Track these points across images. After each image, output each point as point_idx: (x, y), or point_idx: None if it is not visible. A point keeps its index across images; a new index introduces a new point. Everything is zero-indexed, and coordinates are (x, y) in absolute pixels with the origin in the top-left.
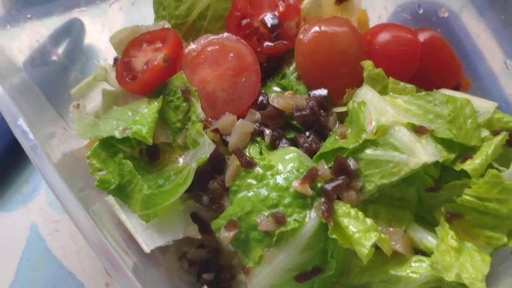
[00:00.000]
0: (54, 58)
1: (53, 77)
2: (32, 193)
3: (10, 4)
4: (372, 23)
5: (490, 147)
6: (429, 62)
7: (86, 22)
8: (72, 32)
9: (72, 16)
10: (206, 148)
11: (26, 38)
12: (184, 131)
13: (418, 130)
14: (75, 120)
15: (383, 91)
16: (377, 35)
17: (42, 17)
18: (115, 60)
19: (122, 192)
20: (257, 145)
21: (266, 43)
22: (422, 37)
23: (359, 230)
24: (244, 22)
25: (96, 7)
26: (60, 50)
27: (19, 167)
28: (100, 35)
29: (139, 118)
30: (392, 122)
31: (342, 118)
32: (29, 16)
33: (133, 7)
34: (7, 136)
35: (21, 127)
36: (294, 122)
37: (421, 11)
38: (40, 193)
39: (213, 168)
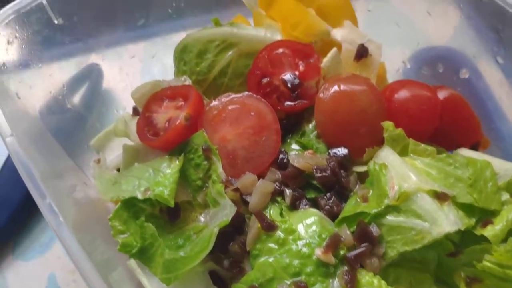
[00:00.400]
0: (71, 106)
1: (70, 126)
2: (50, 242)
3: (26, 48)
4: (390, 75)
5: (510, 212)
6: (449, 120)
7: (105, 68)
8: (90, 78)
9: (90, 62)
10: (227, 210)
11: (42, 85)
12: (204, 189)
13: (440, 197)
14: (96, 176)
15: (403, 152)
16: (396, 92)
17: (59, 63)
18: (134, 109)
19: (143, 255)
20: (277, 205)
21: (287, 103)
22: (441, 95)
23: None
24: (265, 80)
25: (115, 54)
26: (77, 98)
27: (36, 216)
28: (118, 83)
29: (161, 179)
30: (414, 189)
31: (362, 177)
32: (45, 61)
33: (149, 53)
34: (25, 185)
35: (37, 186)
36: (314, 182)
37: (441, 70)
38: (57, 242)
39: (233, 229)
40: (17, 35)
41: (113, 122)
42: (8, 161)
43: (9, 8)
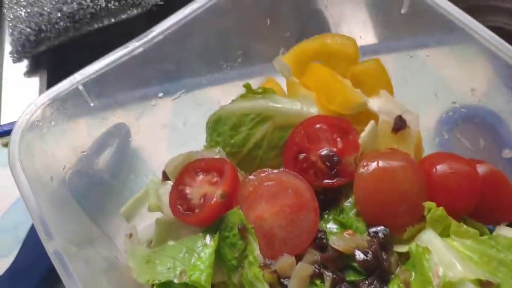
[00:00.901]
0: (96, 170)
1: (96, 192)
2: None
3: (56, 121)
4: (426, 144)
5: None
6: (488, 197)
7: (132, 131)
8: (116, 141)
9: (117, 122)
10: None
11: (64, 144)
12: (240, 269)
13: (485, 285)
14: (128, 253)
15: (444, 232)
16: (434, 166)
17: (84, 123)
18: (164, 173)
19: None
20: None
21: (325, 181)
22: (481, 170)
23: None
24: (301, 156)
25: (144, 116)
26: (103, 161)
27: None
28: (147, 146)
29: (197, 261)
30: (459, 279)
31: (402, 257)
32: (67, 119)
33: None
34: (39, 273)
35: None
36: (354, 263)
37: (481, 146)
38: None
39: None
40: (52, 122)
41: (142, 188)
42: (32, 230)
43: (46, 94)
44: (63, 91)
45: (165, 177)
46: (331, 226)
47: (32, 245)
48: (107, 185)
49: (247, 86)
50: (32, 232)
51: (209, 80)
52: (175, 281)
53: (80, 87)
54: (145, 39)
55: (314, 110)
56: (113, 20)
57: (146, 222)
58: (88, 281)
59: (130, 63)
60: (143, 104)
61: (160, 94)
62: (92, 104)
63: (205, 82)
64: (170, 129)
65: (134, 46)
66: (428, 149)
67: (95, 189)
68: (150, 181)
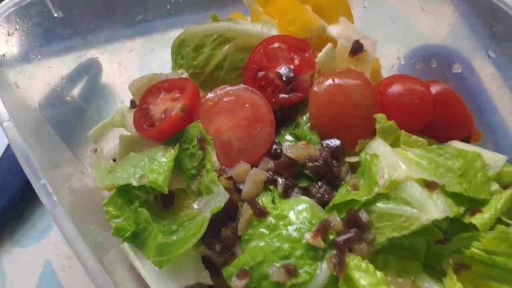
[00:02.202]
0: (70, 98)
1: (69, 117)
2: (47, 228)
3: (26, 41)
4: (385, 71)
5: (499, 201)
6: (441, 114)
7: (103, 62)
8: (89, 72)
9: (89, 56)
10: (220, 197)
11: (41, 78)
12: (198, 177)
13: (430, 186)
14: (92, 165)
15: (394, 143)
16: (390, 86)
17: (59, 56)
18: (132, 102)
19: (137, 239)
20: (269, 193)
21: (281, 95)
22: (434, 89)
23: (370, 283)
24: (260, 74)
25: (113, 49)
26: (76, 90)
27: (34, 203)
28: (117, 76)
29: (156, 167)
30: (404, 178)
31: (354, 168)
32: (40, 57)
33: (147, 48)
34: (23, 174)
35: (35, 172)
36: (307, 171)
37: (434, 65)
38: (54, 229)
39: (226, 215)
40: (17, 27)
41: (111, 115)
42: (7, 151)
43: (9, 1)
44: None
45: (133, 105)
46: (287, 139)
47: (7, 164)
48: (79, 112)
49: (214, 17)
50: (8, 151)
51: (173, 8)
52: (134, 183)
53: None
54: None
55: (274, 32)
56: None
57: (113, 144)
58: (58, 190)
59: None
60: (110, 33)
61: (124, 13)
62: (55, 15)
63: (169, 9)
64: (138, 60)
65: None
66: (386, 76)
67: (67, 115)
68: (117, 110)
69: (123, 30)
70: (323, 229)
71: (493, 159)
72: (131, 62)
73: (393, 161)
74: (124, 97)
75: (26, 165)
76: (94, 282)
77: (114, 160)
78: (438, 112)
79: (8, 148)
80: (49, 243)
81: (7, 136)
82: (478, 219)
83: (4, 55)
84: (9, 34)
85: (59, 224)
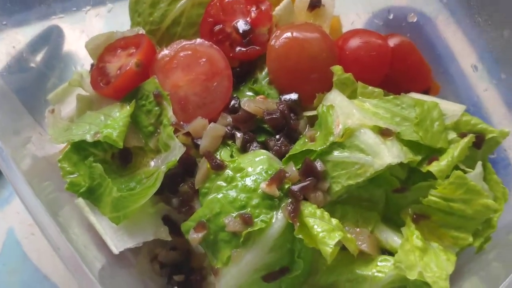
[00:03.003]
0: (32, 65)
1: (31, 83)
2: (9, 197)
3: None
4: (345, 29)
5: (456, 149)
6: (399, 67)
7: (65, 29)
8: (51, 39)
9: (50, 24)
10: (176, 151)
11: (2, 45)
12: (156, 134)
13: (384, 133)
14: (49, 125)
15: (352, 95)
16: (348, 40)
17: (20, 25)
18: (92, 66)
19: (92, 195)
20: (228, 148)
21: (238, 48)
22: (392, 42)
23: (324, 229)
24: (217, 28)
25: (74, 14)
26: (38, 57)
27: None
28: (79, 41)
29: (111, 122)
30: (358, 125)
31: (312, 122)
32: (5, 23)
33: (111, 14)
34: None
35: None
36: (265, 126)
37: (391, 17)
38: (16, 198)
39: (184, 171)
40: None
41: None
42: None
43: None
44: None
45: (92, 68)
46: (246, 94)
47: None
48: (41, 77)
49: None
50: None
51: None
52: (89, 139)
53: None
54: None
55: None
56: None
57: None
58: (16, 154)
59: None
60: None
61: None
62: None
63: None
64: (100, 23)
65: None
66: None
67: (30, 81)
68: (74, 71)
69: None
70: (278, 178)
71: (451, 109)
72: (93, 26)
73: (347, 110)
74: (85, 61)
75: None
76: (46, 238)
77: (72, 120)
78: (396, 65)
79: None
80: (12, 212)
81: None
82: (435, 167)
83: None
84: None
85: (13, 184)
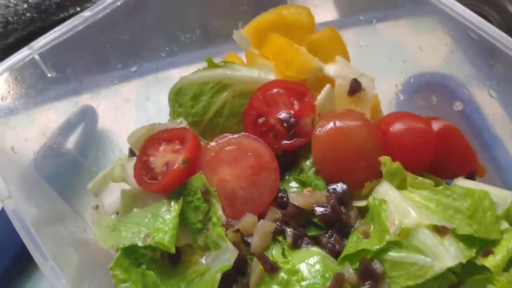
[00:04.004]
0: (65, 150)
1: (66, 171)
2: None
3: (20, 100)
4: (384, 106)
5: (510, 241)
6: (444, 152)
7: (99, 110)
8: (84, 120)
9: (83, 104)
10: (229, 254)
11: (35, 132)
12: (204, 231)
13: (440, 231)
14: (95, 223)
15: (401, 185)
16: (391, 125)
17: (50, 104)
18: (131, 150)
19: None
20: (279, 244)
21: (284, 141)
22: (436, 126)
23: None
24: (261, 120)
25: (108, 95)
26: (72, 141)
27: (23, 277)
28: (113, 123)
29: (161, 225)
30: (415, 225)
31: (362, 212)
32: (39, 112)
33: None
34: (12, 248)
35: (39, 248)
36: (315, 219)
37: (435, 102)
38: None
39: (235, 271)
40: (10, 91)
41: (109, 165)
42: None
43: (1, 64)
44: (19, 61)
45: (132, 153)
46: (292, 186)
47: (5, 222)
48: (76, 164)
49: (209, 60)
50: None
51: (168, 55)
52: (139, 244)
53: (36, 57)
54: (98, 8)
55: (271, 77)
56: (78, 8)
57: (114, 197)
58: (57, 253)
59: (84, 33)
60: (104, 81)
61: (119, 66)
62: (49, 75)
63: (164, 57)
64: (134, 106)
65: (87, 15)
66: (385, 112)
67: (64, 168)
68: (117, 158)
69: (117, 78)
70: (338, 283)
71: (501, 196)
72: (128, 108)
73: (402, 206)
74: (122, 145)
75: (31, 243)
76: None
77: (118, 213)
78: (441, 150)
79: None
80: None
81: (7, 211)
82: (490, 262)
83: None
84: (2, 99)
85: None
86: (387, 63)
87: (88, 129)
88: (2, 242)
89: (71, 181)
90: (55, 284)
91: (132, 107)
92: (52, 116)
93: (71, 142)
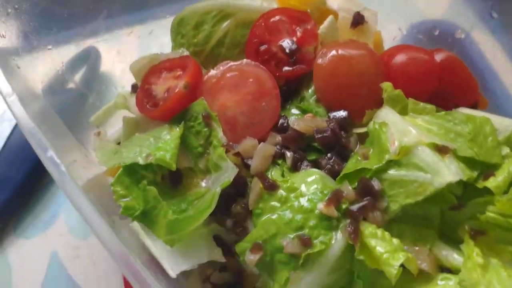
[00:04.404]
0: (72, 85)
1: (72, 104)
2: (51, 219)
3: (25, 22)
4: (387, 44)
5: (511, 164)
6: (447, 82)
7: (102, 50)
8: (89, 60)
9: (88, 45)
10: (229, 172)
11: (44, 67)
12: (205, 155)
13: (441, 150)
14: (97, 148)
15: (402, 112)
16: (394, 56)
17: (58, 46)
18: (133, 87)
19: (146, 218)
20: (278, 167)
21: (285, 68)
22: (438, 57)
23: (387, 250)
24: (263, 48)
25: (112, 36)
26: (78, 78)
27: (37, 193)
28: (116, 63)
29: (162, 145)
30: (415, 143)
31: (362, 139)
32: (44, 37)
33: (145, 35)
34: (26, 164)
35: (52, 159)
36: (315, 144)
37: (436, 33)
38: (59, 219)
39: (236, 191)
40: (16, 6)
41: (112, 100)
42: (8, 142)
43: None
44: None
45: (134, 89)
46: (293, 112)
47: (8, 156)
48: (81, 98)
49: None
50: (9, 143)
51: None
52: (141, 162)
53: None
54: None
55: (274, 6)
56: None
57: (116, 128)
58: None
59: None
60: (106, 23)
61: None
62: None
63: None
64: (137, 47)
65: None
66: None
67: (69, 101)
68: (119, 93)
69: (121, 16)
70: (336, 198)
71: (502, 124)
72: (130, 48)
73: (402, 127)
74: (124, 83)
75: (45, 157)
76: (114, 257)
77: (119, 144)
78: (444, 80)
79: (9, 140)
80: (55, 234)
81: (12, 112)
82: (492, 183)
83: (3, 35)
84: (7, 14)
85: (78, 205)
86: (390, 2)
87: (92, 68)
88: (3, 174)
89: (75, 114)
90: (55, 174)
91: (135, 46)
92: (57, 54)
93: (76, 77)
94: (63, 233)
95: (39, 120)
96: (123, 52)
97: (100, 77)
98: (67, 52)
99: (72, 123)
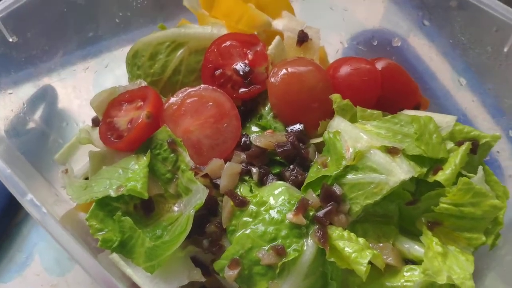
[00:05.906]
0: (33, 125)
1: (35, 144)
2: (27, 260)
3: None
4: (331, 58)
5: (457, 157)
6: (389, 88)
7: (58, 87)
8: (46, 98)
9: (45, 83)
10: (200, 193)
11: (3, 104)
12: (174, 180)
13: (392, 151)
14: (66, 185)
15: (352, 119)
16: (338, 69)
17: (17, 83)
18: (94, 120)
19: (124, 248)
20: (246, 183)
21: (241, 89)
22: (379, 65)
23: (355, 250)
24: (218, 72)
25: (67, 72)
26: (37, 117)
27: (9, 237)
28: (73, 98)
29: (131, 175)
30: (367, 147)
31: (319, 148)
32: (4, 81)
33: (106, 69)
34: None
35: (32, 202)
36: (277, 158)
37: (375, 43)
38: (34, 260)
39: (208, 211)
40: None
41: (74, 136)
42: None
43: None
44: None
45: (95, 123)
46: (253, 130)
47: None
48: (43, 136)
49: (161, 26)
50: None
51: (124, 24)
52: (112, 194)
53: None
54: None
55: (224, 32)
56: None
57: (81, 165)
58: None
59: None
60: (62, 59)
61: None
62: (10, 40)
63: (122, 26)
64: (93, 80)
65: None
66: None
67: (32, 141)
68: (80, 128)
69: (76, 52)
70: (303, 206)
71: (444, 121)
72: (86, 83)
73: (354, 134)
74: (84, 117)
75: (8, 182)
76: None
77: (87, 179)
78: (387, 86)
79: None
80: (31, 274)
81: None
82: (441, 176)
83: None
84: None
85: (53, 232)
86: (330, 16)
87: (50, 105)
88: None
89: (39, 153)
90: (37, 215)
91: (90, 81)
92: (16, 91)
93: (36, 116)
94: (39, 272)
95: (10, 164)
96: (79, 87)
97: (59, 114)
98: (25, 91)
99: (37, 163)
